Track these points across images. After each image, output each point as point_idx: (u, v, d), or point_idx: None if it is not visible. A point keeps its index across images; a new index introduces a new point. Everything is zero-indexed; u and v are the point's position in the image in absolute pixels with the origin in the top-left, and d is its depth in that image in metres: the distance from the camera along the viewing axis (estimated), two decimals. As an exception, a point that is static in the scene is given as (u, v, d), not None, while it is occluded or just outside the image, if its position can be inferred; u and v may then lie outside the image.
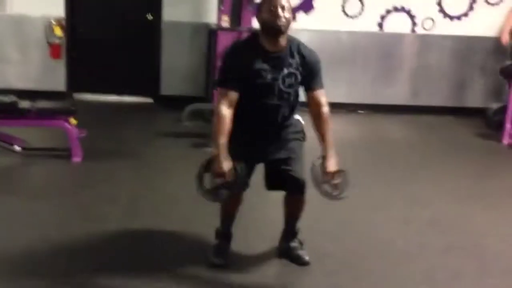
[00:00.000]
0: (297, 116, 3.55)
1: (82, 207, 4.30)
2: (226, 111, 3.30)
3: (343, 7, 7.49)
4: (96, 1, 7.63)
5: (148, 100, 7.68)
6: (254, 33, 3.48)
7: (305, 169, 3.33)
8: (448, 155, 6.03)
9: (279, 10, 3.20)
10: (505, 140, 6.42)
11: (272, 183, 3.51)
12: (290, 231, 3.61)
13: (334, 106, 7.67)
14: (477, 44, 7.66)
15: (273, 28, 3.22)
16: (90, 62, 7.65)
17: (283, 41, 3.29)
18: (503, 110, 6.55)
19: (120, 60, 7.74)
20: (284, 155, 3.43)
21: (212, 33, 6.57)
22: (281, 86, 3.35)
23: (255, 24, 3.51)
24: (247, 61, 3.33)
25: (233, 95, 3.30)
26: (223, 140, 3.25)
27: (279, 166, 3.42)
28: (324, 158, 3.30)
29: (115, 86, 7.76)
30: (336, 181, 3.33)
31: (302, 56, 3.36)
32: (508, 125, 6.43)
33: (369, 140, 6.67)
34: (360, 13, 7.54)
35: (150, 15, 7.54)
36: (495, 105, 6.96)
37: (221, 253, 3.52)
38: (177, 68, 7.44)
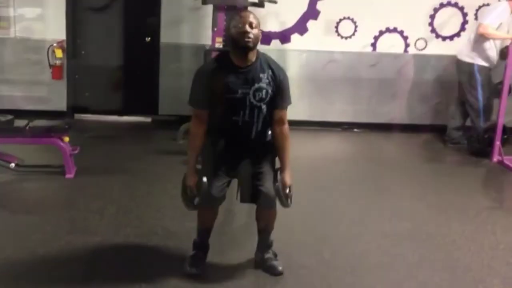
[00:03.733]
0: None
1: (70, 220, 4.54)
2: (197, 129, 3.52)
3: (336, 28, 7.66)
4: (96, 25, 7.86)
5: (147, 119, 7.90)
6: (224, 52, 3.63)
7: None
8: (444, 174, 6.27)
9: (247, 27, 3.32)
10: (495, 158, 6.52)
11: (244, 197, 3.64)
12: (264, 243, 3.72)
13: (329, 125, 7.87)
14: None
15: (241, 44, 3.33)
16: (91, 83, 7.88)
17: (252, 56, 3.40)
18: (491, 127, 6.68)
19: (120, 81, 7.99)
20: (257, 170, 3.55)
21: (206, 53, 6.79)
22: (252, 100, 3.45)
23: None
24: (218, 77, 3.44)
25: (204, 114, 3.48)
26: (192, 156, 3.52)
27: (251, 181, 3.54)
28: (282, 171, 3.53)
29: (114, 106, 7.99)
30: (289, 192, 3.54)
31: (272, 71, 3.48)
32: (497, 142, 6.52)
33: (361, 157, 6.90)
34: (353, 34, 7.73)
35: (148, 38, 7.75)
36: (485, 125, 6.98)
37: (196, 263, 3.63)
38: (174, 88, 7.60)
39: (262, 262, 3.70)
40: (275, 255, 3.71)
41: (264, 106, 3.51)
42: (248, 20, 3.39)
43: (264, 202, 3.52)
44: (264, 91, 3.48)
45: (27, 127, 5.61)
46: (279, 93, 3.54)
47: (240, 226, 4.32)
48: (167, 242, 4.07)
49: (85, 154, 5.72)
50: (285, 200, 3.56)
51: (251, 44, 3.34)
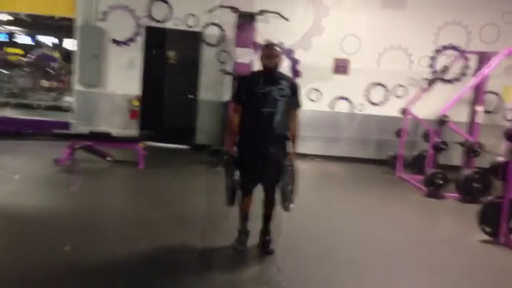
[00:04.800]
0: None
1: (141, 187, 6.64)
2: (234, 119, 4.05)
3: (307, 95, 9.29)
4: (160, 85, 9.17)
5: (187, 147, 9.37)
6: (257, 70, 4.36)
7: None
8: (369, 184, 7.84)
9: (273, 58, 4.00)
10: (398, 174, 8.34)
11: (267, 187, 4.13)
12: (265, 228, 4.24)
13: (301, 156, 8.92)
14: (388, 121, 9.17)
15: (267, 67, 4.02)
16: (153, 122, 9.09)
17: (275, 71, 4.09)
18: (395, 157, 8.53)
19: (172, 121, 9.18)
20: (275, 175, 3.99)
21: (225, 104, 8.32)
22: (275, 95, 3.94)
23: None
24: (253, 78, 4.08)
25: (239, 108, 4.04)
26: (230, 137, 4.04)
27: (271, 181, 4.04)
28: (293, 149, 4.10)
29: (167, 137, 9.21)
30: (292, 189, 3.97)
31: (290, 82, 4.11)
32: (400, 166, 8.31)
33: (323, 175, 8.47)
34: (319, 98, 9.45)
35: (191, 95, 9.30)
36: (391, 153, 8.81)
37: (242, 243, 4.20)
38: (205, 127, 9.12)
39: (261, 242, 4.24)
40: (271, 239, 4.26)
41: (283, 101, 3.96)
42: (273, 52, 4.00)
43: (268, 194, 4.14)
44: (285, 91, 4.00)
45: (119, 137, 7.60)
46: (294, 96, 4.06)
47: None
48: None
49: (149, 159, 7.53)
50: (289, 197, 3.97)
51: (273, 66, 4.02)
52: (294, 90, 4.07)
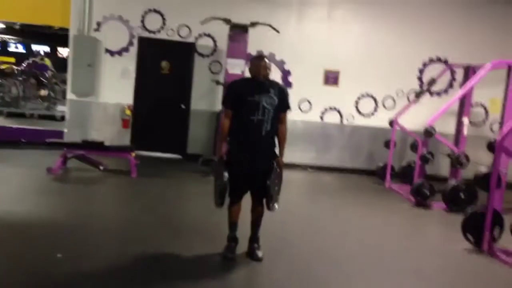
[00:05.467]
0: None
1: (136, 194, 6.74)
2: (225, 122, 4.07)
3: (299, 105, 9.50)
4: (152, 95, 9.25)
5: (179, 156, 9.45)
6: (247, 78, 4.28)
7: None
8: (359, 194, 7.99)
9: (262, 70, 4.03)
10: (387, 184, 8.52)
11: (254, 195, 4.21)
12: (254, 236, 4.31)
13: (292, 166, 9.25)
14: (378, 132, 9.44)
15: (257, 79, 4.07)
16: (145, 131, 9.21)
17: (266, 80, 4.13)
18: (384, 167, 8.73)
19: (164, 131, 9.31)
20: (262, 182, 4.00)
21: (218, 114, 8.42)
22: (264, 104, 3.96)
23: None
24: (243, 85, 4.08)
25: (230, 113, 4.06)
26: (221, 143, 4.11)
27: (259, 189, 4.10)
28: (280, 156, 4.13)
29: (160, 146, 9.38)
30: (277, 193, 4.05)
31: (279, 88, 4.12)
32: (388, 176, 8.52)
33: (314, 185, 8.67)
34: (309, 109, 9.62)
35: (183, 105, 9.29)
36: (380, 164, 9.03)
37: (231, 250, 4.22)
38: (197, 136, 9.18)
39: (250, 250, 4.29)
40: (259, 246, 4.33)
41: (272, 111, 3.99)
42: (262, 64, 4.04)
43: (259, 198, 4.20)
44: (273, 99, 4.02)
45: (111, 146, 7.69)
46: (283, 101, 4.10)
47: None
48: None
49: (142, 168, 7.66)
50: (274, 197, 4.03)
51: (262, 80, 4.06)
52: (282, 95, 4.11)
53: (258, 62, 4.07)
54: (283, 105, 4.12)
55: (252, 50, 9.01)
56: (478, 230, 5.45)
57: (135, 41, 9.32)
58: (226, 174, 3.97)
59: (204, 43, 9.40)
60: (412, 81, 9.72)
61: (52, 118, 11.85)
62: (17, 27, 16.35)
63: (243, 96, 3.97)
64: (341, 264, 4.68)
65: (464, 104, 8.37)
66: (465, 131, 8.32)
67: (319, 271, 4.44)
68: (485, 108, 9.84)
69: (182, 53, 9.38)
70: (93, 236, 4.87)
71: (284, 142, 4.15)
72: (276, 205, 4.10)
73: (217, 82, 8.72)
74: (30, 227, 4.95)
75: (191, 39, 9.38)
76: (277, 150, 4.25)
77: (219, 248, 4.46)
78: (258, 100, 3.95)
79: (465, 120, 8.32)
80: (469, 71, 8.37)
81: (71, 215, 5.50)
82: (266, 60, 4.06)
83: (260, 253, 4.30)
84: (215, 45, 9.40)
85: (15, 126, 10.22)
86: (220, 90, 8.85)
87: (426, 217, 7.01)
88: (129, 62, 9.29)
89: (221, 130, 4.08)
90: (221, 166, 4.07)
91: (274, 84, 4.15)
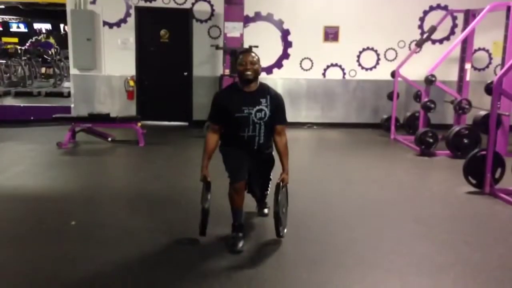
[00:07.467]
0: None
1: (143, 162, 6.92)
2: (211, 138, 3.69)
3: (300, 64, 9.59)
4: (154, 65, 9.41)
5: (185, 123, 9.60)
6: (234, 82, 3.84)
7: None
8: (364, 147, 8.06)
9: (248, 65, 3.55)
10: (392, 135, 8.63)
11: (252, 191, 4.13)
12: (261, 203, 4.41)
13: (298, 124, 9.41)
14: (382, 85, 9.54)
15: (243, 77, 3.58)
16: (150, 101, 9.45)
17: (254, 85, 3.64)
18: (389, 119, 8.78)
19: (169, 99, 9.52)
20: (259, 177, 3.91)
21: (220, 79, 8.51)
22: (254, 119, 3.60)
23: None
24: (228, 98, 3.63)
25: (216, 128, 3.70)
26: (205, 156, 3.65)
27: (256, 185, 3.99)
28: (283, 171, 3.76)
29: (165, 115, 9.58)
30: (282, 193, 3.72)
31: (271, 97, 3.65)
32: (392, 127, 8.61)
33: (319, 141, 8.76)
34: (311, 67, 9.64)
35: (185, 73, 9.42)
36: (385, 116, 9.12)
37: (238, 243, 3.75)
38: (202, 103, 9.10)
39: (258, 210, 4.40)
40: (266, 207, 4.36)
41: (263, 124, 3.64)
42: (248, 59, 3.57)
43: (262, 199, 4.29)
44: (263, 112, 3.61)
45: (117, 118, 7.81)
46: (277, 112, 3.68)
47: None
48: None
49: (149, 137, 7.80)
50: (284, 222, 3.78)
51: (251, 77, 3.57)
52: (275, 106, 3.67)
53: (244, 57, 3.60)
54: (278, 118, 3.71)
55: (249, 12, 9.06)
56: (480, 172, 5.56)
57: (132, 12, 9.33)
58: (209, 197, 3.64)
59: (201, 8, 9.38)
60: (413, 31, 9.65)
61: (59, 95, 11.98)
62: (17, 6, 16.38)
63: (230, 113, 3.59)
64: (344, 215, 4.82)
65: (466, 50, 8.33)
66: (468, 77, 8.31)
67: (322, 222, 4.58)
68: (489, 53, 9.77)
69: (180, 20, 9.39)
70: (105, 205, 5.04)
71: (285, 156, 3.75)
72: (284, 230, 3.82)
73: (217, 47, 8.76)
74: (44, 198, 5.15)
75: (187, 5, 9.36)
76: (274, 152, 3.93)
77: (228, 210, 4.01)
78: (247, 115, 3.58)
79: (467, 66, 8.30)
80: (469, 16, 8.30)
81: (83, 186, 5.69)
82: (253, 54, 3.62)
83: (266, 210, 4.41)
84: (212, 9, 9.39)
85: (23, 104, 10.39)
86: (220, 55, 8.90)
87: (430, 165, 7.11)
88: (128, 33, 9.34)
89: (205, 147, 3.67)
90: (205, 189, 3.69)
91: (265, 91, 3.68)
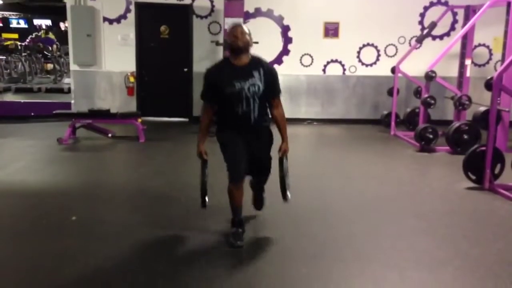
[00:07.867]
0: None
1: (143, 157, 6.93)
2: (205, 117, 3.65)
3: (300, 60, 9.58)
4: (154, 61, 9.43)
5: (185, 119, 9.61)
6: (225, 57, 3.73)
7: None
8: (364, 143, 8.05)
9: (239, 35, 3.48)
10: (392, 131, 8.62)
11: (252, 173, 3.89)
12: (259, 192, 4.22)
13: (298, 121, 9.42)
14: (382, 81, 9.53)
15: (233, 46, 3.49)
16: (150, 97, 9.46)
17: (245, 58, 3.54)
18: (389, 115, 8.80)
19: (169, 95, 9.52)
20: (258, 155, 3.72)
21: None
22: (247, 94, 3.50)
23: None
24: (220, 74, 3.53)
25: (210, 107, 3.64)
26: (201, 134, 3.65)
27: (255, 163, 3.75)
28: (282, 141, 3.74)
29: (165, 111, 9.61)
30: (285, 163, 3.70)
31: (264, 69, 3.54)
32: (392, 123, 8.63)
33: (319, 137, 8.77)
34: (311, 63, 9.63)
35: (185, 69, 9.45)
36: (385, 112, 9.13)
37: (239, 238, 3.74)
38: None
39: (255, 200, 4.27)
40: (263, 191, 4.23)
41: (257, 98, 3.54)
42: (238, 29, 3.51)
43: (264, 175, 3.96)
44: (256, 86, 3.52)
45: (117, 114, 7.84)
46: (272, 85, 3.60)
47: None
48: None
49: (149, 133, 7.81)
50: (288, 186, 3.73)
51: (240, 44, 3.46)
52: (269, 79, 3.58)
53: (233, 29, 3.52)
54: (272, 91, 3.62)
55: (249, 8, 9.04)
56: (479, 168, 5.57)
57: (132, 7, 9.32)
58: (206, 172, 3.65)
59: (201, 4, 9.38)
60: (413, 27, 9.65)
61: (60, 91, 12.01)
62: (17, 1, 16.34)
63: (221, 88, 3.49)
64: (344, 210, 4.83)
65: (466, 45, 8.32)
66: (468, 72, 8.30)
67: (322, 218, 4.59)
68: (489, 49, 9.77)
69: (180, 16, 9.38)
70: (106, 200, 5.04)
71: (284, 127, 3.71)
72: (289, 194, 3.81)
73: (217, 43, 8.77)
74: (45, 194, 5.16)
75: (187, 1, 9.36)
76: (273, 129, 3.86)
77: (227, 206, 3.99)
78: (239, 90, 3.47)
79: (468, 62, 8.29)
80: (469, 12, 8.29)
81: (84, 182, 5.70)
82: (244, 26, 3.57)
83: (264, 196, 4.31)
84: (212, 5, 9.39)
85: (23, 100, 10.40)
86: (220, 51, 8.86)
87: (430, 161, 7.11)
88: (128, 29, 9.34)
89: (200, 125, 3.65)
90: (202, 165, 3.69)
91: (258, 64, 3.58)
